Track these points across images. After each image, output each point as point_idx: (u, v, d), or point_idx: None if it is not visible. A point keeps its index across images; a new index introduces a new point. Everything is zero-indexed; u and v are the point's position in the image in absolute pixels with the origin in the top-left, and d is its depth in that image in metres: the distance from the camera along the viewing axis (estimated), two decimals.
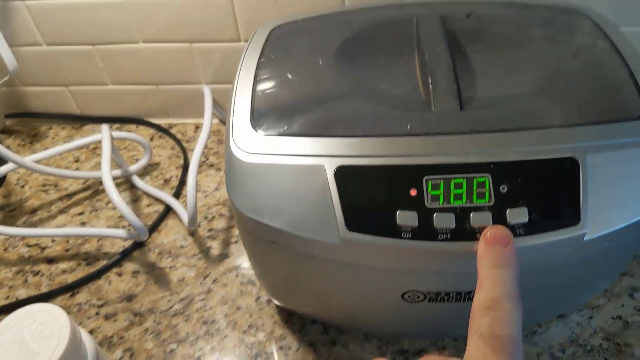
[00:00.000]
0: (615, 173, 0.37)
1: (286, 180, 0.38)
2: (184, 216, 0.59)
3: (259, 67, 0.46)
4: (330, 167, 0.37)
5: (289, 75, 0.45)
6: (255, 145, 0.39)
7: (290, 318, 0.52)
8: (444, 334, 0.50)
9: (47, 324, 0.38)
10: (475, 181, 0.36)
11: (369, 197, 0.37)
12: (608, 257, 0.41)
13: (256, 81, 0.44)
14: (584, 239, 0.36)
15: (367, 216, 0.36)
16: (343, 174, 0.37)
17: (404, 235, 0.36)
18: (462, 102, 0.40)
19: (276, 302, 0.52)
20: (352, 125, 0.40)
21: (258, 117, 0.41)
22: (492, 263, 0.27)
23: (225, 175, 0.41)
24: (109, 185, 0.53)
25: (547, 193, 0.36)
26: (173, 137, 0.74)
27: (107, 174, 0.54)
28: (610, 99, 0.41)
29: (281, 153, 0.39)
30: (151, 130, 0.76)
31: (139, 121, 0.76)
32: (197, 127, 0.75)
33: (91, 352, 0.40)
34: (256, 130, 0.40)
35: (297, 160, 0.38)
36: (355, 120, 0.41)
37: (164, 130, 0.75)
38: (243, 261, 0.57)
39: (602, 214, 0.36)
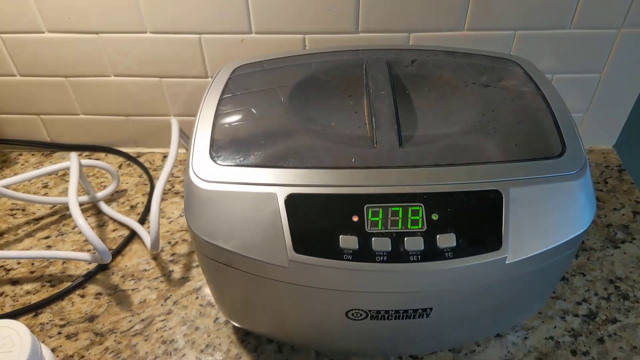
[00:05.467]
0: (535, 205, 0.42)
1: (240, 207, 0.42)
2: (147, 240, 0.62)
3: (220, 103, 0.50)
4: (281, 195, 0.41)
5: (247, 112, 0.49)
6: (213, 175, 0.43)
7: (246, 338, 0.55)
8: (390, 353, 0.54)
9: (8, 339, 0.40)
10: (410, 209, 0.41)
11: (316, 223, 0.41)
12: (532, 279, 0.45)
13: (217, 116, 0.48)
14: (506, 262, 0.40)
15: (313, 240, 0.40)
16: (293, 202, 0.41)
17: (345, 257, 0.40)
18: (401, 139, 0.45)
19: (233, 323, 0.55)
20: (302, 158, 0.44)
21: (217, 149, 0.45)
22: None
23: (184, 202, 0.45)
24: (75, 210, 0.55)
25: (473, 221, 0.41)
26: (141, 165, 0.77)
27: (73, 200, 0.57)
28: (534, 139, 0.46)
29: (237, 182, 0.42)
30: (120, 159, 0.79)
31: (108, 149, 0.80)
32: (165, 157, 0.78)
33: None
34: (214, 161, 0.44)
35: (251, 189, 0.42)
36: (305, 154, 0.45)
37: (133, 159, 0.78)
38: (203, 284, 0.60)
39: (522, 241, 0.41)
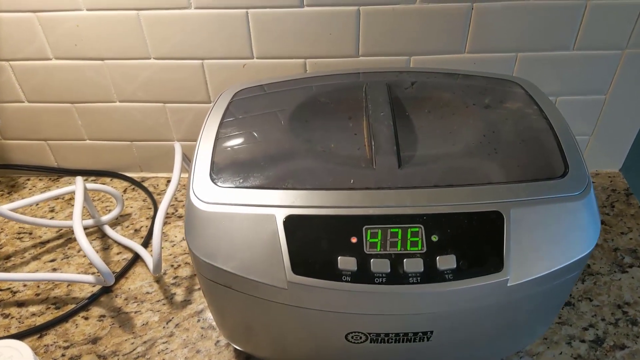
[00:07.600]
0: (537, 226, 0.41)
1: (239, 228, 0.42)
2: (150, 263, 0.62)
3: (220, 126, 0.50)
4: (280, 216, 0.41)
5: (248, 134, 0.50)
6: (212, 196, 0.43)
7: None
8: None
9: (12, 359, 0.40)
10: (409, 231, 0.40)
11: (314, 244, 0.40)
12: (535, 302, 0.44)
13: (217, 139, 0.49)
14: (508, 285, 0.40)
15: (312, 261, 0.40)
16: (291, 223, 0.41)
17: (344, 278, 0.40)
18: (401, 160, 0.45)
19: (234, 346, 0.54)
20: (301, 179, 0.44)
21: (217, 171, 0.45)
22: None
23: (185, 223, 0.45)
24: (79, 233, 0.56)
25: (474, 243, 0.40)
26: (145, 189, 0.77)
27: (77, 223, 0.57)
28: (536, 160, 0.46)
29: (236, 203, 0.42)
30: (125, 183, 0.80)
31: (113, 174, 0.80)
32: (169, 181, 0.79)
33: None
34: (214, 183, 0.44)
35: (250, 210, 0.42)
36: (304, 175, 0.45)
37: (137, 183, 0.79)
38: (205, 307, 0.60)
39: (525, 263, 0.40)
